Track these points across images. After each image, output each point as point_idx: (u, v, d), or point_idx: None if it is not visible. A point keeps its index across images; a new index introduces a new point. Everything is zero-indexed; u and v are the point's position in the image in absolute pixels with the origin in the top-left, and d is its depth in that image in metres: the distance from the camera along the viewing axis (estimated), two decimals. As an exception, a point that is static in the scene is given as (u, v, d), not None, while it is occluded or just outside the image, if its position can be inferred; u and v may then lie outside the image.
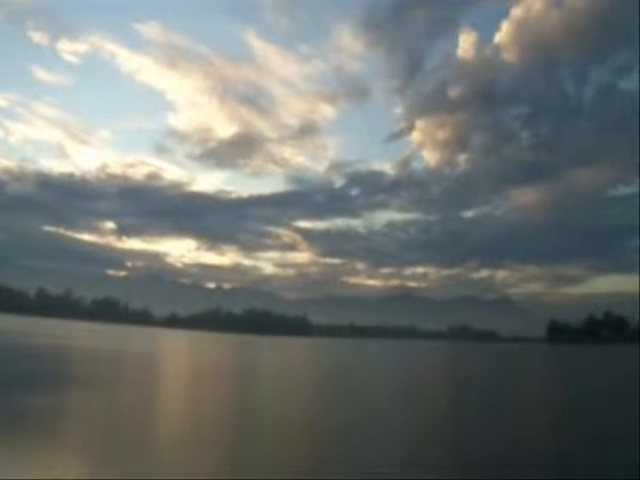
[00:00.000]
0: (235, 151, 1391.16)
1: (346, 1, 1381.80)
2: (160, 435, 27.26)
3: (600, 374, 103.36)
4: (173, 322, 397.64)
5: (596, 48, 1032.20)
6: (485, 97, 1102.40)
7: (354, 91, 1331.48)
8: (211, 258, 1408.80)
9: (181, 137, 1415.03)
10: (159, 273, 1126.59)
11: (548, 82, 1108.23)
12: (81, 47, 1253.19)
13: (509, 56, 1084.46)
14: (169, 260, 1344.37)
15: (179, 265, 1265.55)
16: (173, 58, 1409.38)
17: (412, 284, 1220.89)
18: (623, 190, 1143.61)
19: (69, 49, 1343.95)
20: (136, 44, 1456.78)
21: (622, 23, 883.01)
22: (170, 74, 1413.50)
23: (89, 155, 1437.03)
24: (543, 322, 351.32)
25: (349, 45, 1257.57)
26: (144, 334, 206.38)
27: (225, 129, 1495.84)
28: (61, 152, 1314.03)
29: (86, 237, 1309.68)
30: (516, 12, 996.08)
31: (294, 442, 26.94)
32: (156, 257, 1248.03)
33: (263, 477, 19.59)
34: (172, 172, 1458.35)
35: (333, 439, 28.91)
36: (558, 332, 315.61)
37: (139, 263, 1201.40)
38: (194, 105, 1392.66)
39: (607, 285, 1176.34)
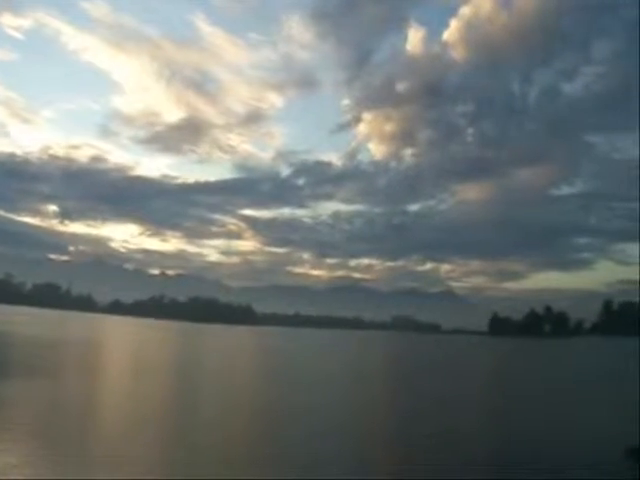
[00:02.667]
0: (181, 136, 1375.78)
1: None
2: (82, 428, 25.08)
3: (535, 365, 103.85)
4: (116, 308, 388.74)
5: (542, 51, 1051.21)
6: (432, 93, 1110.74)
7: (302, 81, 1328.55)
8: (155, 244, 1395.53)
9: (126, 120, 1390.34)
10: (102, 258, 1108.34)
11: (494, 81, 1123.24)
12: (25, 22, 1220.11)
13: (456, 54, 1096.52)
14: (112, 245, 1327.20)
15: (123, 250, 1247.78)
16: (120, 39, 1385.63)
17: (357, 275, 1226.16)
18: (565, 190, 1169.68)
19: (13, 24, 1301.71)
20: (83, 22, 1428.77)
21: (567, 28, 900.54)
22: (116, 55, 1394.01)
23: (32, 135, 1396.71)
24: (486, 315, 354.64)
25: (299, 34, 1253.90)
26: (85, 321, 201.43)
27: (171, 114, 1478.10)
28: (2, 131, 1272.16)
29: (27, 220, 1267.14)
30: (465, 11, 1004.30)
31: (222, 438, 24.87)
32: (99, 242, 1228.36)
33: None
34: (117, 155, 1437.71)
35: (262, 431, 26.87)
36: (500, 325, 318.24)
37: (82, 247, 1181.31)
38: (140, 88, 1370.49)
39: (548, 281, 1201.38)
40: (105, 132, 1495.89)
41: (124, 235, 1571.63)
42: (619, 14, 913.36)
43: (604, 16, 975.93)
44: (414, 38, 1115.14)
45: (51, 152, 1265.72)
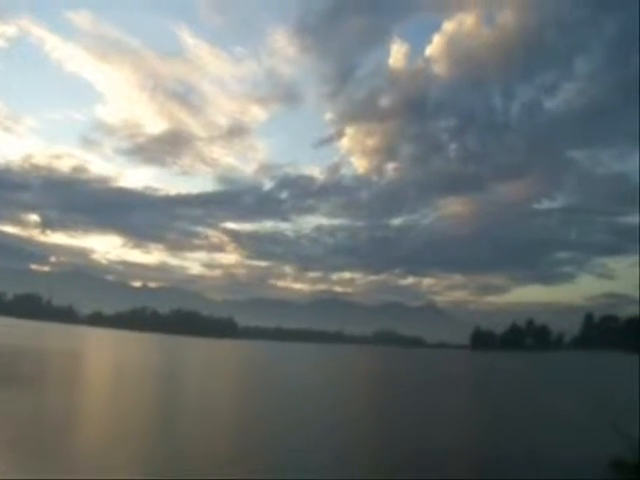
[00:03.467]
0: (164, 148, 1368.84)
1: (281, 4, 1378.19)
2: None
3: (517, 379, 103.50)
4: (98, 320, 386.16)
5: (524, 67, 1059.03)
6: (414, 108, 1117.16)
7: (285, 94, 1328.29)
8: (137, 256, 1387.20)
9: (109, 130, 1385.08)
10: (84, 269, 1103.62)
11: (476, 96, 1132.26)
12: (9, 30, 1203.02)
13: (439, 69, 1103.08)
14: (94, 256, 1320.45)
15: (104, 262, 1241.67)
16: (104, 49, 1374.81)
17: (339, 289, 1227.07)
18: (547, 204, 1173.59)
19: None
20: (67, 32, 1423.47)
21: (549, 45, 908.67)
22: (100, 65, 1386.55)
23: (14, 143, 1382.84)
24: (468, 329, 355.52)
25: (282, 48, 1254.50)
26: (64, 332, 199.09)
27: (154, 125, 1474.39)
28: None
29: (8, 229, 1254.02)
30: (448, 26, 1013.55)
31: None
32: (81, 253, 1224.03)
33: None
34: (99, 166, 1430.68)
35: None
36: (482, 339, 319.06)
37: (63, 258, 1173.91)
38: (123, 99, 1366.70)
39: (530, 295, 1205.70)
40: (88, 142, 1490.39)
41: (106, 246, 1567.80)
42: (600, 31, 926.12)
43: (585, 33, 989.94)
44: (397, 53, 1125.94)
45: (33, 161, 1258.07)
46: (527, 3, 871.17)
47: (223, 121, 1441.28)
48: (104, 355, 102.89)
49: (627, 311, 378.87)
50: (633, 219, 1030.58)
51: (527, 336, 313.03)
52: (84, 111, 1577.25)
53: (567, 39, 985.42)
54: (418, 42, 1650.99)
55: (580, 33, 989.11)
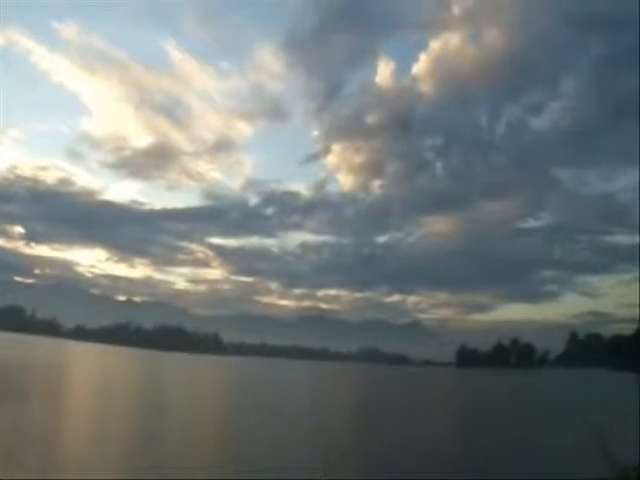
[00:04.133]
0: (149, 162, 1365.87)
1: (268, 20, 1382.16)
2: None
3: (500, 397, 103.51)
4: (81, 334, 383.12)
5: (510, 86, 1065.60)
6: (401, 126, 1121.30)
7: (272, 110, 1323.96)
8: (122, 270, 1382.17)
9: (95, 143, 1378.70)
10: (68, 282, 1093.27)
11: (462, 115, 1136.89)
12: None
13: (425, 87, 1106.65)
14: (79, 269, 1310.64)
15: (89, 275, 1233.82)
16: (90, 61, 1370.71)
17: (324, 306, 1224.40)
18: (532, 223, 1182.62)
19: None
20: (53, 43, 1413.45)
21: (535, 65, 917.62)
22: (86, 77, 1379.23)
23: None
24: (453, 347, 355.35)
25: (269, 64, 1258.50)
26: (47, 346, 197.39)
27: (140, 139, 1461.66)
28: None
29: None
30: (434, 45, 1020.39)
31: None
32: (65, 265, 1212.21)
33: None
34: (84, 179, 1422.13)
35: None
36: (467, 357, 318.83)
37: (48, 271, 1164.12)
38: (109, 111, 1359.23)
39: (514, 313, 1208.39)
40: (73, 155, 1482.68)
41: (91, 260, 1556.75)
42: (586, 51, 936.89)
43: (571, 53, 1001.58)
44: (384, 71, 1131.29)
45: (18, 172, 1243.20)
46: (513, 23, 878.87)
47: (209, 136, 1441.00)
48: (85, 370, 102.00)
49: (611, 329, 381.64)
50: (617, 238, 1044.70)
51: (512, 354, 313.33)
52: (70, 123, 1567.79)
53: (553, 59, 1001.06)
54: (404, 60, 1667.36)
55: (566, 53, 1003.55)
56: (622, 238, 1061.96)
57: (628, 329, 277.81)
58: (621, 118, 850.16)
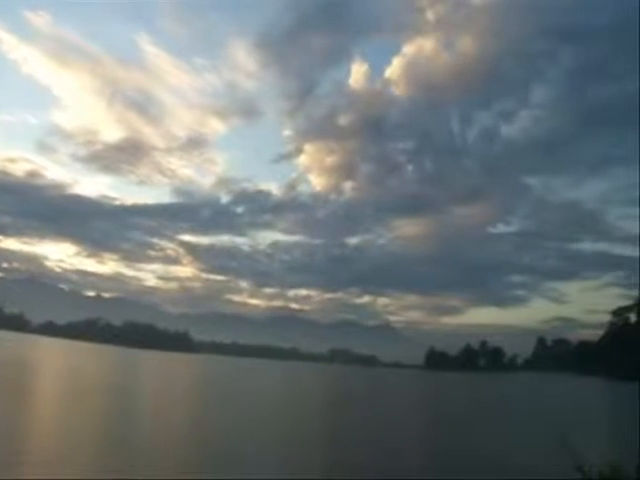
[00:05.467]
0: (121, 157, 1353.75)
1: (243, 18, 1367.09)
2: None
3: (468, 399, 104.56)
4: (50, 329, 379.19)
5: (482, 93, 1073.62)
6: (373, 128, 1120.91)
7: (245, 108, 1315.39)
8: (91, 265, 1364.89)
9: (65, 136, 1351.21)
10: (37, 277, 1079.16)
11: (434, 120, 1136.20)
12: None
13: (398, 91, 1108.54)
14: (48, 264, 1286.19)
15: (58, 270, 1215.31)
16: (62, 53, 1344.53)
17: (295, 306, 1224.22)
18: (501, 228, 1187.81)
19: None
20: (24, 33, 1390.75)
21: (507, 73, 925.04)
22: (58, 69, 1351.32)
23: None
24: (422, 349, 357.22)
25: (243, 62, 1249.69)
26: (14, 341, 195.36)
27: (112, 133, 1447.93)
28: None
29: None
30: (408, 49, 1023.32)
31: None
32: (34, 260, 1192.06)
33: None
34: (54, 172, 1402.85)
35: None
36: (436, 359, 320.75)
37: (16, 265, 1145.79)
38: (81, 104, 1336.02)
39: (484, 317, 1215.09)
40: (43, 147, 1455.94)
41: (60, 254, 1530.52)
42: (557, 62, 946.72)
43: (543, 63, 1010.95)
44: (357, 73, 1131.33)
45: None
46: (486, 31, 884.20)
47: (181, 132, 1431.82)
48: (51, 366, 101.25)
49: (577, 334, 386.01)
50: (584, 245, 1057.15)
51: (481, 357, 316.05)
52: (40, 115, 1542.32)
53: (525, 68, 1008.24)
54: (378, 63, 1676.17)
55: (538, 63, 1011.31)
56: (588, 245, 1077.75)
57: (594, 335, 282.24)
58: (590, 129, 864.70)
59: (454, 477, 25.35)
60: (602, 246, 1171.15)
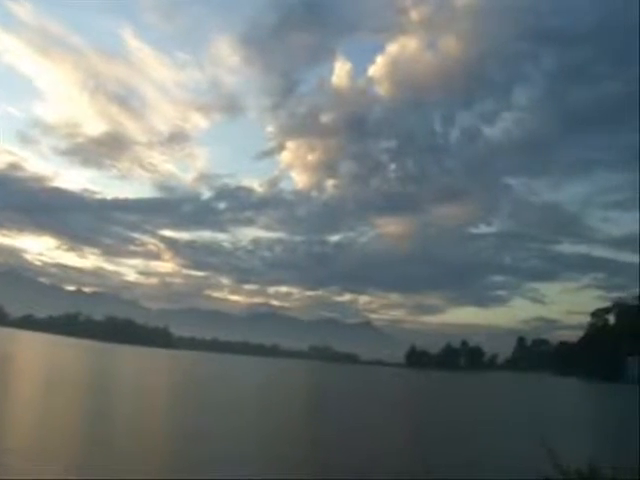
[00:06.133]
0: (102, 150, 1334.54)
1: (227, 14, 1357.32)
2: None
3: (447, 397, 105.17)
4: (29, 323, 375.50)
5: (464, 94, 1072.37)
6: (356, 126, 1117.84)
7: (227, 104, 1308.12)
8: (72, 259, 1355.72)
9: (47, 129, 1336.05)
10: (16, 270, 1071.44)
11: (417, 119, 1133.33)
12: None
13: (381, 90, 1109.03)
14: (27, 257, 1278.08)
15: (38, 263, 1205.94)
16: (45, 44, 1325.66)
17: (276, 303, 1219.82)
18: (483, 229, 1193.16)
19: None
20: (7, 23, 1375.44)
21: (490, 75, 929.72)
22: (40, 61, 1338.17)
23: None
24: (403, 347, 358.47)
25: (226, 58, 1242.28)
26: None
27: (93, 126, 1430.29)
28: None
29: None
30: (391, 48, 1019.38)
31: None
32: (14, 253, 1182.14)
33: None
34: (36, 164, 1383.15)
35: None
36: (417, 358, 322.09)
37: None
38: (63, 97, 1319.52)
39: (464, 316, 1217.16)
40: (24, 139, 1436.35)
41: (40, 247, 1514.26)
42: (539, 65, 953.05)
43: (525, 66, 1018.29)
44: (340, 71, 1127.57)
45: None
46: (469, 32, 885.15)
47: (163, 127, 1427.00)
48: (29, 361, 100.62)
49: (557, 335, 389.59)
50: (564, 247, 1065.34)
51: (461, 356, 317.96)
52: (22, 107, 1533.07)
53: (507, 70, 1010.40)
54: (361, 62, 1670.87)
55: (520, 65, 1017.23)
56: (569, 247, 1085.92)
57: (574, 335, 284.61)
58: (571, 131, 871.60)
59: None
60: (582, 248, 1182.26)
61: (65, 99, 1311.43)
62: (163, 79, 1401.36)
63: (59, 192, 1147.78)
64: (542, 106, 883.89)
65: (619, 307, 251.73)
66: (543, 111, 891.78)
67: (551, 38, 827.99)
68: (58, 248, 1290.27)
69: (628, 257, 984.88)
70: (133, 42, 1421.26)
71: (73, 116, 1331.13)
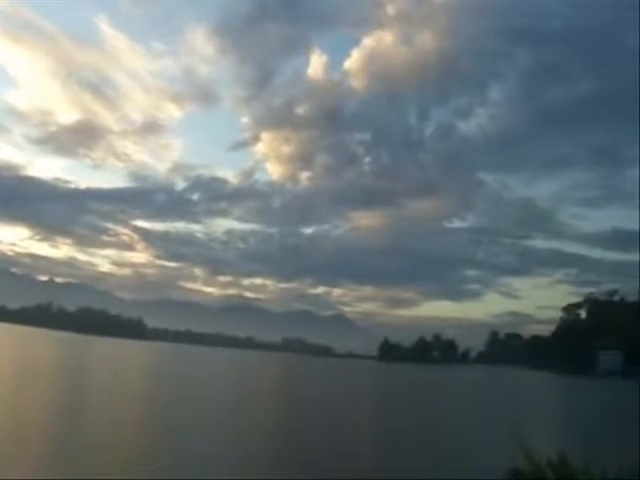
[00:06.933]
0: (76, 139, 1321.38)
1: (202, 4, 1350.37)
2: None
3: (417, 389, 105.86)
4: (1, 314, 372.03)
5: (439, 89, 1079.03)
6: (331, 119, 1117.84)
7: (202, 94, 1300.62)
8: (44, 249, 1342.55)
9: (20, 117, 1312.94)
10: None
11: (392, 113, 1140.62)
12: None
13: (357, 83, 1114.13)
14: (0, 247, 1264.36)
15: (10, 253, 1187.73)
16: (18, 30, 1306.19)
17: (250, 295, 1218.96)
18: (457, 223, 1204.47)
19: None
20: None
21: (465, 71, 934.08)
22: (13, 47, 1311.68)
23: None
24: (376, 340, 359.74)
25: (201, 48, 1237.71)
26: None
27: (67, 115, 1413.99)
28: None
29: None
30: (367, 42, 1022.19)
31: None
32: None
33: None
34: (8, 153, 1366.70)
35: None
36: (390, 351, 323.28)
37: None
38: (36, 84, 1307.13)
39: (438, 310, 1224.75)
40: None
41: (12, 237, 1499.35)
42: (513, 62, 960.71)
43: (499, 63, 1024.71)
44: (316, 63, 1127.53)
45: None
46: (445, 29, 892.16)
47: (137, 116, 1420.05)
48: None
49: (530, 329, 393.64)
50: (536, 242, 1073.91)
51: (434, 349, 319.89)
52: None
53: (482, 67, 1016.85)
54: (337, 55, 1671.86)
55: (494, 62, 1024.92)
56: (541, 243, 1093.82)
57: (546, 330, 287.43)
58: (544, 128, 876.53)
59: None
60: (554, 244, 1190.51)
61: (38, 87, 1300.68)
62: (137, 68, 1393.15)
63: (32, 181, 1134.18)
64: (516, 103, 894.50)
65: (590, 302, 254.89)
66: (517, 108, 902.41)
67: (526, 37, 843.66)
68: (31, 238, 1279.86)
69: (599, 253, 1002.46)
70: (108, 30, 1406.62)
71: (46, 104, 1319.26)
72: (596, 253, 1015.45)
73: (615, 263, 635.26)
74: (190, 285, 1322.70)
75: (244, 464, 25.01)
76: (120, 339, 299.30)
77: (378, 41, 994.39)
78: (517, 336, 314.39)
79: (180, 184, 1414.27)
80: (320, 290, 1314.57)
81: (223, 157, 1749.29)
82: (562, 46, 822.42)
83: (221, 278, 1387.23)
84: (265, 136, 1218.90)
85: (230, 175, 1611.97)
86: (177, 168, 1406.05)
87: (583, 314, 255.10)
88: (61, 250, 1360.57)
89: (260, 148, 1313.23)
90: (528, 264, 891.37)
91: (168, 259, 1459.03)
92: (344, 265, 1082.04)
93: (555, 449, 12.58)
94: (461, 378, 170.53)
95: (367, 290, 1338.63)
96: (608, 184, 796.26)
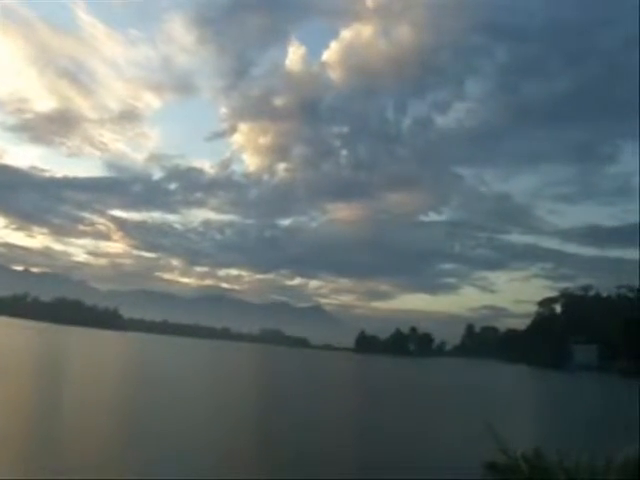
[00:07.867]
0: (52, 127, 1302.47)
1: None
2: None
3: (393, 381, 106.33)
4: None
5: (417, 83, 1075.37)
6: (308, 111, 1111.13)
7: (180, 84, 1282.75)
8: (20, 238, 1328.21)
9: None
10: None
11: (369, 106, 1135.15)
12: None
13: (335, 75, 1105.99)
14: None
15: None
16: None
17: (226, 285, 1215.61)
18: (433, 217, 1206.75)
19: None
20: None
21: (443, 65, 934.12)
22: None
23: None
24: (353, 332, 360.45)
25: (179, 37, 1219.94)
26: None
27: (43, 102, 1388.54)
28: None
29: None
30: (345, 34, 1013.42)
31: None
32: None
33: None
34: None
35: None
36: (367, 343, 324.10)
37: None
38: (11, 71, 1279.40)
39: (414, 303, 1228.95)
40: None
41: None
42: (492, 57, 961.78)
43: (478, 58, 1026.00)
44: (294, 55, 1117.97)
45: None
46: (423, 22, 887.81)
47: (114, 105, 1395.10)
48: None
49: (505, 323, 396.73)
50: (512, 237, 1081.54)
51: (410, 342, 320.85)
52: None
53: (460, 61, 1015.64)
54: (315, 46, 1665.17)
55: (473, 57, 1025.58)
56: (517, 237, 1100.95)
57: (521, 324, 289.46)
58: (521, 124, 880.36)
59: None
60: (530, 239, 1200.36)
61: (13, 73, 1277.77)
62: (115, 56, 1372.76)
63: (7, 169, 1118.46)
64: (494, 98, 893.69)
65: (565, 297, 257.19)
66: (495, 103, 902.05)
67: (504, 33, 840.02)
68: (6, 227, 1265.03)
69: (574, 249, 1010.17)
70: (85, 17, 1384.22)
71: (21, 91, 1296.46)
72: (571, 248, 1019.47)
73: (590, 259, 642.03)
74: (167, 275, 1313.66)
75: (216, 456, 24.87)
76: (96, 329, 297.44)
77: (356, 33, 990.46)
78: (493, 329, 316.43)
79: (157, 174, 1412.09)
80: (297, 282, 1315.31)
81: (200, 147, 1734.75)
82: (540, 44, 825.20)
83: (198, 269, 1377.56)
84: (242, 127, 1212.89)
85: (207, 165, 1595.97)
86: (154, 158, 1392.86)
87: (558, 308, 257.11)
88: (37, 239, 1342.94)
89: (237, 139, 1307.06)
90: (504, 258, 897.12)
91: (144, 249, 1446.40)
92: (321, 257, 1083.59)
93: (528, 441, 12.50)
94: (436, 370, 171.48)
95: (344, 282, 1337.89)
96: (585, 180, 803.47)
